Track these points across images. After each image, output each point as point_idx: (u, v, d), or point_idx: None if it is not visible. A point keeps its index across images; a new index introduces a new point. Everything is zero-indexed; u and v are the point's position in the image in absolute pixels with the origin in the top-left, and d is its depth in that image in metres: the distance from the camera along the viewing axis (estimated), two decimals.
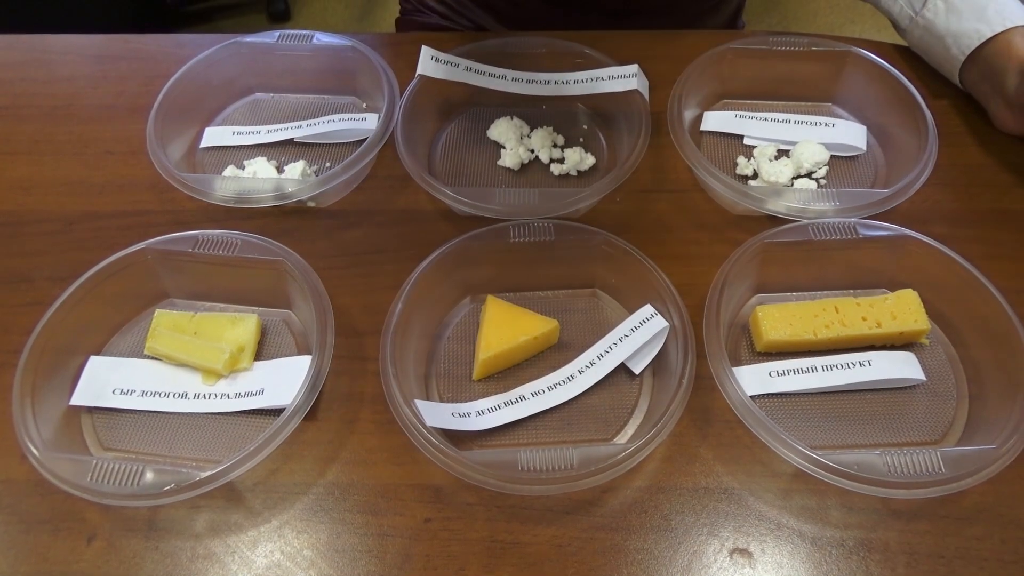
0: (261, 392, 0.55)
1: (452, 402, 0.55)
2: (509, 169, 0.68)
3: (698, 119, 0.71)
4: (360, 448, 0.54)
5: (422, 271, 0.56)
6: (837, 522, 0.49)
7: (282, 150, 0.70)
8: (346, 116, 0.70)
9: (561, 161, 0.68)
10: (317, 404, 0.55)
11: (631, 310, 0.58)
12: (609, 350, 0.55)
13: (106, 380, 0.56)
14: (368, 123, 0.69)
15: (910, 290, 0.56)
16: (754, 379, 0.54)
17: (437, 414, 0.51)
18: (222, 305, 0.61)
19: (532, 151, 0.69)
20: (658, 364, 0.55)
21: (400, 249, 0.64)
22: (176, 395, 0.55)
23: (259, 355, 0.58)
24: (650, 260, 0.56)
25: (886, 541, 0.48)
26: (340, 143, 0.70)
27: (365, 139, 0.64)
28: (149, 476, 0.48)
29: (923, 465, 0.46)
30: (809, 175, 0.66)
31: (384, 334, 0.53)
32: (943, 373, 0.55)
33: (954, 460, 0.46)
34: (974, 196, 0.65)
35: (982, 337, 0.55)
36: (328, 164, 0.69)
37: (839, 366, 0.54)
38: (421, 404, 0.50)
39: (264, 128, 0.71)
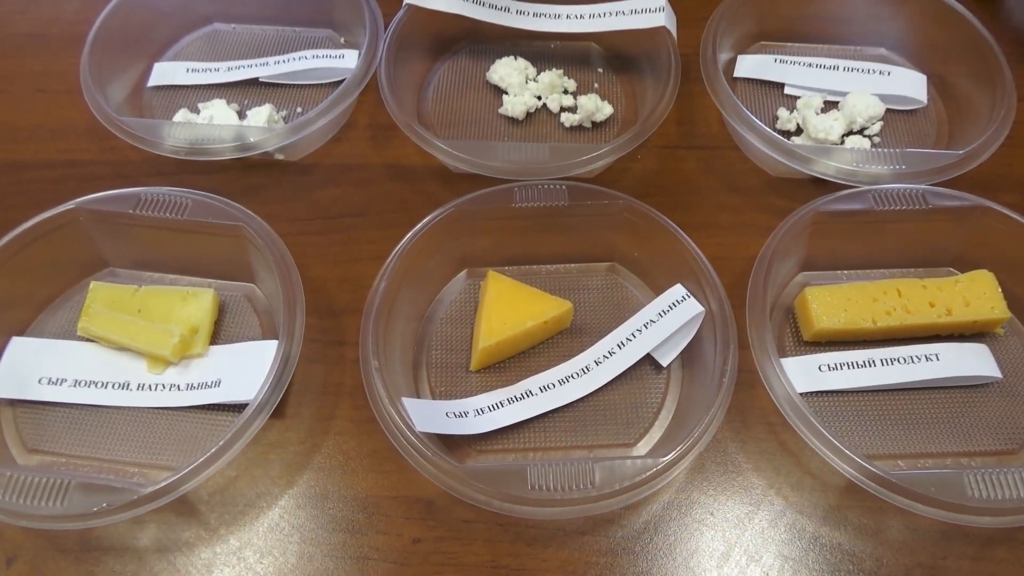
0: (218, 384, 0.46)
1: (445, 397, 0.47)
2: (512, 119, 0.58)
3: (731, 64, 0.61)
4: (337, 452, 0.45)
5: (411, 240, 0.47)
6: (900, 546, 0.42)
7: (245, 92, 0.60)
8: (321, 52, 0.60)
9: (573, 110, 0.58)
10: (285, 398, 0.47)
11: (655, 288, 0.50)
12: (632, 337, 0.47)
13: (31, 367, 0.47)
14: (347, 61, 0.59)
15: (985, 271, 0.48)
16: (801, 374, 0.46)
17: (429, 416, 0.43)
18: (172, 277, 0.51)
19: (539, 98, 0.59)
20: (688, 355, 0.47)
21: (385, 212, 0.55)
22: (116, 386, 0.46)
23: (216, 338, 0.49)
24: (682, 231, 0.47)
25: (958, 572, 0.41)
26: (314, 84, 0.60)
27: (343, 80, 0.54)
28: (79, 491, 0.39)
29: (1013, 487, 0.38)
30: (861, 131, 0.57)
31: (365, 317, 0.44)
32: (1020, 369, 0.47)
33: None
34: None
35: None
36: (299, 109, 0.59)
37: (901, 360, 0.46)
38: (410, 404, 0.42)
39: (224, 65, 0.61)
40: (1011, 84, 0.53)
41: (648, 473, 0.39)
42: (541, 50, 0.62)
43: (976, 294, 0.47)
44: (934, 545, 0.42)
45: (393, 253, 0.47)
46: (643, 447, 0.45)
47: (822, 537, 0.42)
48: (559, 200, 0.48)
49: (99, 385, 0.46)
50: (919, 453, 0.44)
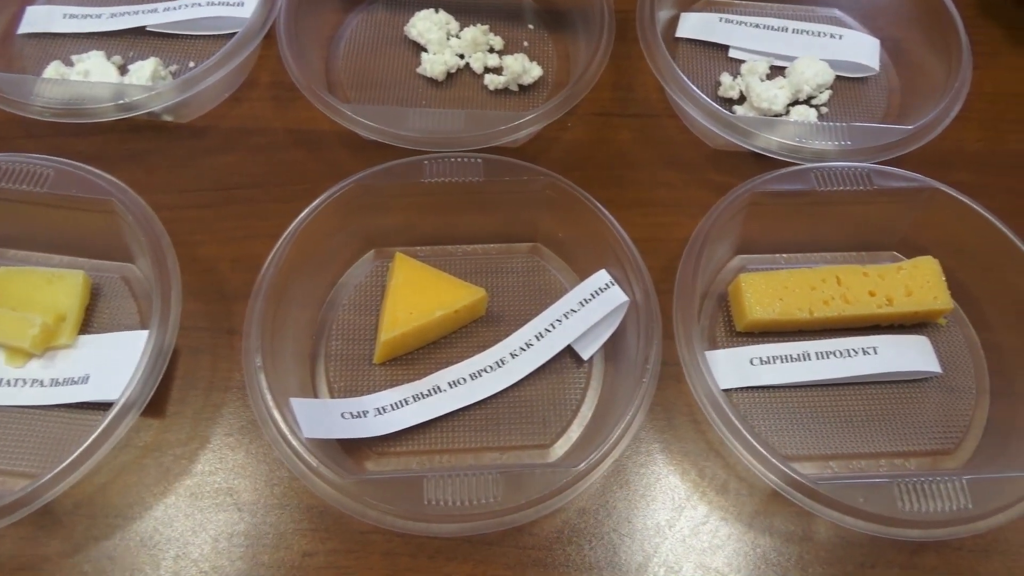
0: (86, 379, 0.41)
1: (345, 392, 0.42)
2: (431, 80, 0.53)
3: (672, 22, 0.56)
4: (221, 455, 0.41)
5: (307, 217, 0.42)
6: (827, 554, 0.39)
7: (129, 42, 0.53)
8: None
9: (498, 71, 0.53)
10: (166, 394, 0.42)
11: (581, 273, 0.45)
12: (551, 328, 0.43)
13: None
14: (247, 9, 0.53)
15: (929, 258, 0.45)
16: (730, 368, 0.43)
17: (320, 418, 0.38)
18: (40, 255, 0.46)
19: (462, 56, 0.53)
20: (612, 347, 0.43)
21: (286, 183, 0.49)
22: None
23: (87, 326, 0.43)
24: (607, 211, 0.43)
25: None
26: (209, 36, 0.54)
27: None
28: None
29: (945, 497, 0.36)
30: (808, 101, 0.53)
31: (250, 307, 0.39)
32: (961, 363, 0.44)
33: (983, 491, 0.36)
34: (1004, 134, 0.53)
35: (1010, 318, 0.44)
36: (192, 64, 0.53)
37: (837, 353, 0.43)
38: (299, 405, 0.38)
39: (106, 11, 0.54)
40: (967, 53, 0.50)
41: (558, 485, 0.35)
42: (466, 2, 0.56)
43: (919, 283, 0.44)
44: (862, 553, 0.39)
45: (286, 233, 0.42)
46: (560, 448, 0.41)
47: (746, 545, 0.40)
48: (474, 175, 0.44)
49: None
50: (852, 454, 0.42)
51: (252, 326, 0.39)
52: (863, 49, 0.54)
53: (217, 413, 0.42)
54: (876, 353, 0.43)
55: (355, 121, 0.45)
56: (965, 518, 0.35)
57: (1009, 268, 0.43)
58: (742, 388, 0.43)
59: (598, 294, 0.42)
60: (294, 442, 0.36)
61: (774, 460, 0.36)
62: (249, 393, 0.37)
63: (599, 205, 0.43)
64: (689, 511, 0.40)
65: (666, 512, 0.40)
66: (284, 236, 0.41)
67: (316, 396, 0.42)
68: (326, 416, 0.39)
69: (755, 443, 0.36)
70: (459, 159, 0.44)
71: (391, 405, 0.41)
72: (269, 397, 0.37)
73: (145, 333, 0.39)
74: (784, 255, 0.48)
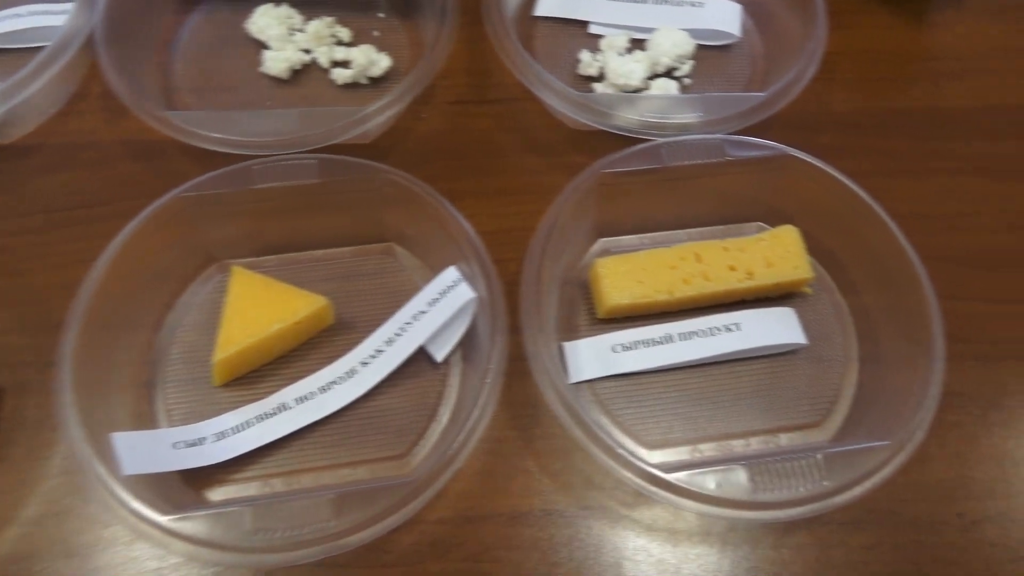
0: None
1: (187, 420, 0.40)
2: (275, 78, 0.50)
3: (531, 0, 0.54)
4: (52, 499, 0.38)
5: (128, 234, 0.40)
6: (696, 541, 0.38)
7: None
8: (41, 7, 0.50)
9: (346, 65, 0.50)
10: None
11: (437, 270, 0.43)
12: (401, 332, 0.41)
13: None
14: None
15: (789, 227, 0.43)
16: (592, 357, 0.41)
17: (147, 451, 0.36)
18: None
19: (308, 51, 0.50)
20: (468, 346, 0.41)
21: (123, 199, 0.46)
22: None
23: None
24: (450, 204, 0.41)
25: (755, 562, 0.38)
26: (35, 47, 0.50)
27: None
28: None
29: (801, 476, 0.35)
30: (669, 73, 0.51)
31: (65, 333, 0.37)
32: (830, 331, 0.43)
33: (838, 464, 0.35)
34: (869, 93, 0.52)
35: (873, 279, 0.43)
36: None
37: (700, 333, 0.42)
38: (120, 439, 0.35)
39: None
40: (822, 12, 0.48)
41: (395, 500, 0.33)
42: None
43: (779, 253, 0.43)
44: (732, 537, 0.38)
45: (102, 255, 0.39)
46: (416, 457, 0.39)
47: (612, 541, 0.38)
48: (308, 177, 0.41)
49: None
50: (723, 435, 0.40)
51: (64, 359, 0.36)
52: (724, 16, 0.53)
53: (49, 453, 0.39)
54: (739, 329, 0.41)
55: (179, 129, 0.42)
56: (821, 495, 0.34)
57: (867, 229, 0.42)
58: (606, 377, 0.41)
59: (447, 292, 0.40)
60: (108, 481, 0.33)
61: (621, 452, 0.34)
62: (62, 432, 0.35)
63: (441, 199, 0.41)
64: (555, 509, 0.39)
65: (532, 514, 0.39)
66: (100, 258, 0.39)
67: (155, 425, 0.40)
68: (154, 448, 0.36)
69: (604, 437, 0.35)
70: (290, 161, 0.41)
71: (232, 429, 0.39)
72: (82, 434, 0.34)
73: None
74: (649, 235, 0.46)
